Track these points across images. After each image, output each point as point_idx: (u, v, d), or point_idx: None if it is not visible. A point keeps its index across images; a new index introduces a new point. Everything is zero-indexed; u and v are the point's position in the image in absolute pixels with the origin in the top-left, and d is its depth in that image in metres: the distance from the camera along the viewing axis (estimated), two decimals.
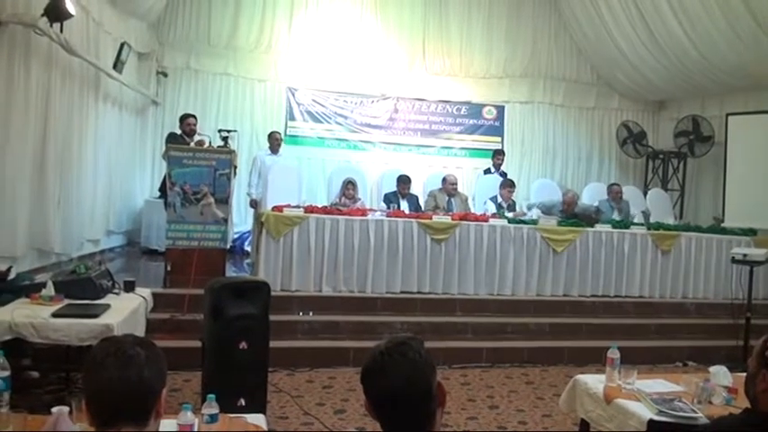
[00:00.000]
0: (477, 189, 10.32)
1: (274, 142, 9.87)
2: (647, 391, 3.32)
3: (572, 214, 8.38)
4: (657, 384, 3.55)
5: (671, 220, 9.43)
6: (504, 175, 10.43)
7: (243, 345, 4.42)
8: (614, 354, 3.56)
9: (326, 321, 6.86)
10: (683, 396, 3.31)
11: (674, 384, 3.57)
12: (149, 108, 10.99)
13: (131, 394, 1.63)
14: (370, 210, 7.99)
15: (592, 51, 12.42)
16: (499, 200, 9.11)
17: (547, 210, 8.83)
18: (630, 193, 10.13)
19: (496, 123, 12.28)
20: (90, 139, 8.12)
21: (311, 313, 6.95)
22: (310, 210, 7.48)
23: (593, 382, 3.66)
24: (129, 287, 5.16)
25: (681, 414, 3.07)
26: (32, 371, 4.66)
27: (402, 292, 7.40)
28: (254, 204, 9.35)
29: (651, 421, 3.04)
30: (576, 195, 8.96)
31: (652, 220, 9.28)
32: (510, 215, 8.44)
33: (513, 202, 9.21)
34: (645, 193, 11.20)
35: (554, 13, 12.53)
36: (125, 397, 1.62)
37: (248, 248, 9.53)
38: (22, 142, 6.14)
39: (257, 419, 2.96)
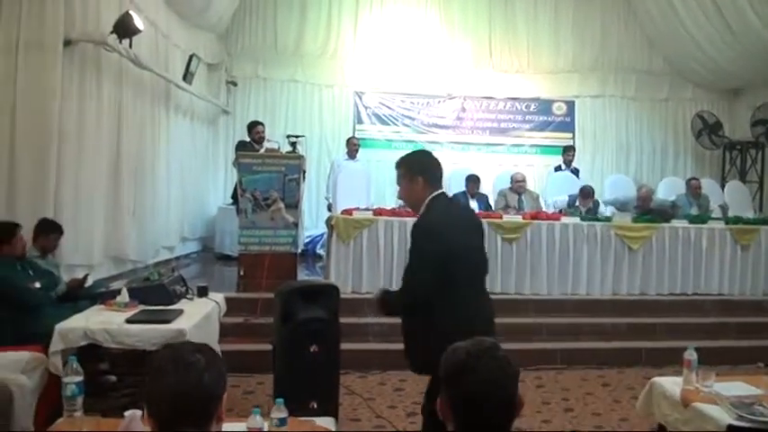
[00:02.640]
0: (549, 187, 10.13)
1: (352, 147, 9.98)
2: (725, 395, 3.17)
3: (647, 210, 8.13)
4: (737, 387, 3.38)
5: (750, 214, 9.04)
6: (575, 171, 10.22)
7: (314, 348, 4.43)
8: (691, 355, 3.42)
9: (398, 323, 6.81)
10: (764, 400, 3.15)
11: (755, 387, 3.40)
12: (220, 117, 11.25)
13: (192, 400, 1.64)
14: None
15: (663, 40, 12.05)
16: (577, 203, 8.87)
17: (621, 207, 8.60)
18: (707, 186, 9.77)
19: (567, 119, 12.06)
20: (162, 150, 8.36)
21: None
22: (378, 212, 7.49)
23: (671, 384, 3.52)
24: (203, 292, 5.26)
25: (761, 419, 2.92)
26: (109, 375, 4.80)
27: None
28: (332, 208, 9.45)
29: (730, 426, 2.91)
30: (651, 191, 8.70)
31: (730, 213, 8.93)
32: None
33: (593, 206, 8.93)
34: (722, 186, 10.79)
35: (623, 3, 12.23)
36: (186, 402, 1.64)
37: (320, 252, 9.62)
38: (97, 155, 6.36)
39: (327, 422, 2.97)
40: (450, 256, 3.19)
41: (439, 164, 3.44)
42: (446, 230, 3.23)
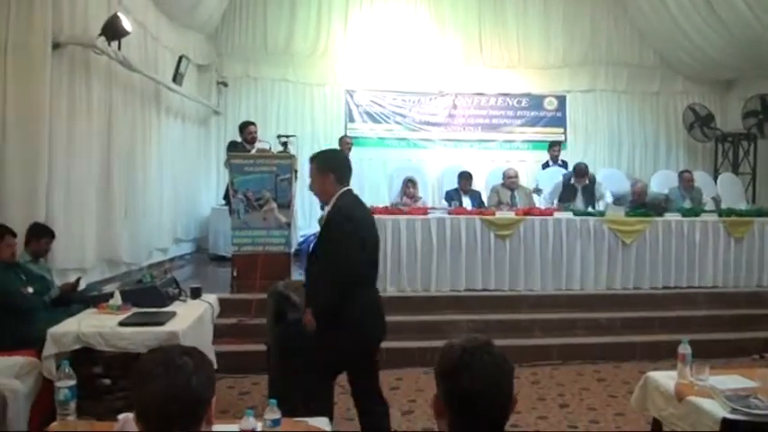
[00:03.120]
0: (540, 185, 10.11)
1: (345, 146, 9.95)
2: (720, 388, 3.17)
3: (641, 204, 8.14)
4: (732, 380, 3.38)
5: (743, 206, 9.05)
6: (564, 164, 10.22)
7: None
8: (685, 349, 3.42)
9: (391, 322, 6.70)
10: (759, 392, 3.14)
11: (750, 380, 3.40)
12: (211, 118, 11.23)
13: (180, 403, 1.63)
14: (431, 208, 7.95)
15: (653, 34, 12.07)
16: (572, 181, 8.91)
17: (617, 200, 8.62)
18: (700, 178, 9.79)
19: (558, 114, 12.08)
20: (154, 152, 8.34)
21: None
22: (371, 211, 7.45)
23: (665, 379, 3.52)
24: (196, 294, 5.24)
25: (756, 412, 2.92)
26: (104, 378, 4.78)
27: (467, 290, 7.33)
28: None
29: (725, 420, 2.91)
30: (646, 185, 8.71)
31: (723, 206, 8.96)
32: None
33: (590, 183, 8.93)
34: (715, 179, 10.80)
35: None
36: (174, 406, 1.62)
37: None
38: (88, 158, 6.33)
39: (320, 422, 2.96)
40: (363, 244, 3.63)
41: (349, 163, 3.86)
42: (360, 219, 3.71)
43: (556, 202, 8.83)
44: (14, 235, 4.89)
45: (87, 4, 6.34)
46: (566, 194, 8.78)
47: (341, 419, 4.86)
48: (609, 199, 9.07)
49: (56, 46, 5.74)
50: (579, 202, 8.68)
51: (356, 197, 3.88)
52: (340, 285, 3.60)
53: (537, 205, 8.72)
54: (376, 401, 3.89)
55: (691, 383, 3.34)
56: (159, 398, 1.62)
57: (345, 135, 10.61)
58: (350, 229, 3.59)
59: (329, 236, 3.69)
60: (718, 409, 3.01)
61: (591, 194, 8.80)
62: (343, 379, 5.50)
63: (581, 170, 8.88)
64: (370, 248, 3.79)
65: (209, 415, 1.71)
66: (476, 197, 8.75)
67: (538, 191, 9.64)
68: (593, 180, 8.93)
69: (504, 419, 1.76)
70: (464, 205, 8.29)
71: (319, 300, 3.69)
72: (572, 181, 8.87)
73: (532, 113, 12.01)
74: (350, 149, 10.04)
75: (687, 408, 3.21)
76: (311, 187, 3.90)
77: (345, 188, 3.74)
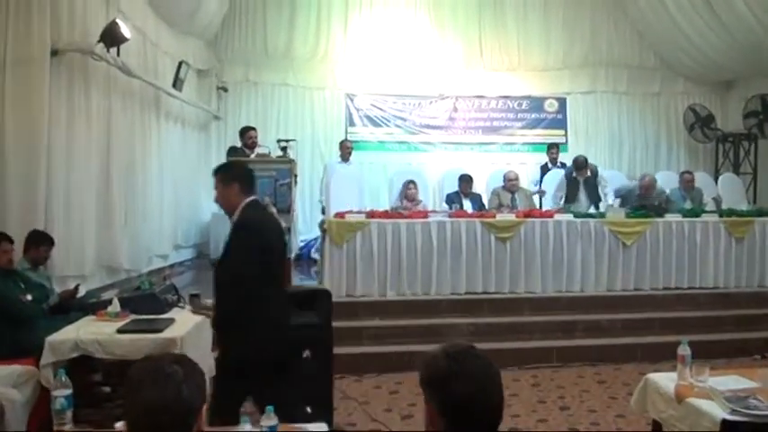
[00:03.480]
0: (543, 187, 10.08)
1: (345, 150, 9.94)
2: (720, 389, 3.16)
3: (641, 205, 8.12)
4: (731, 381, 3.36)
5: (744, 206, 9.01)
6: (564, 166, 10.20)
7: (306, 353, 4.42)
8: (685, 350, 3.40)
9: (392, 326, 6.82)
10: (759, 393, 3.13)
11: (750, 380, 3.38)
12: (212, 123, 11.25)
13: (170, 413, 1.62)
14: (432, 212, 7.94)
15: (653, 35, 12.08)
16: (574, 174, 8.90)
17: (625, 195, 8.56)
18: (701, 179, 9.74)
19: (559, 116, 12.08)
20: (154, 157, 8.35)
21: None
22: (371, 215, 7.47)
23: (665, 380, 3.50)
24: (195, 300, 5.24)
25: (755, 412, 2.91)
26: (104, 386, 4.78)
27: (467, 293, 7.30)
28: (326, 211, 9.44)
29: (725, 421, 2.89)
30: (654, 179, 8.60)
31: (724, 206, 8.91)
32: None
33: (592, 175, 8.91)
34: (716, 179, 10.77)
35: None
36: (165, 417, 1.61)
37: (315, 256, 9.60)
38: (87, 165, 6.34)
39: (319, 428, 2.96)
40: (268, 252, 3.65)
41: (251, 174, 3.88)
42: (265, 229, 3.73)
43: (562, 199, 8.81)
44: (11, 241, 4.89)
45: (86, 11, 6.36)
46: (570, 189, 8.76)
47: (341, 424, 4.86)
48: (610, 195, 8.97)
49: (54, 53, 5.76)
50: (583, 196, 8.67)
51: (262, 207, 3.98)
52: (236, 296, 3.59)
53: (542, 207, 8.69)
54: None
55: (690, 385, 3.33)
56: (149, 408, 1.61)
57: (346, 139, 10.62)
58: (251, 242, 3.61)
59: (233, 245, 3.67)
60: (717, 411, 3.00)
61: (594, 187, 8.78)
62: (341, 384, 5.54)
63: (580, 162, 8.85)
64: (276, 260, 3.81)
65: (200, 424, 1.70)
66: (476, 200, 8.73)
67: (541, 192, 9.63)
68: (595, 172, 8.90)
69: (499, 420, 1.75)
70: (465, 208, 8.27)
71: (219, 308, 3.70)
72: (574, 174, 8.85)
73: (533, 116, 12.01)
74: (350, 153, 10.04)
75: (687, 409, 3.19)
76: (216, 199, 3.88)
77: (250, 198, 3.76)
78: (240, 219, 3.69)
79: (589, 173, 8.82)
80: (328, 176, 9.59)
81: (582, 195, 8.69)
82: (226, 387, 3.51)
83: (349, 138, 11.07)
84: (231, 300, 3.60)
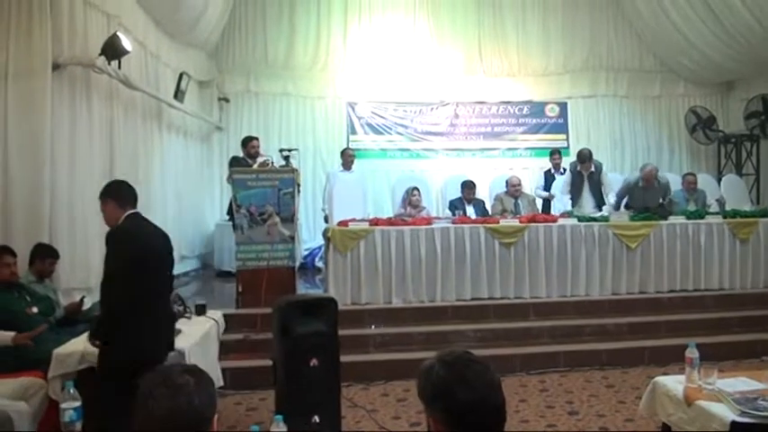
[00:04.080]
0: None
1: (347, 159, 9.93)
2: (728, 391, 3.16)
3: (644, 207, 8.10)
4: (740, 383, 3.36)
5: (747, 207, 9.01)
6: (565, 172, 10.19)
7: (313, 362, 4.42)
8: (692, 353, 3.39)
9: (398, 333, 6.83)
10: (767, 394, 3.13)
11: (758, 382, 3.38)
12: (214, 134, 11.27)
13: (183, 423, 1.61)
14: (435, 218, 7.94)
15: (653, 38, 12.09)
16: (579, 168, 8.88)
17: (628, 192, 8.50)
18: (704, 180, 9.74)
19: (560, 120, 12.08)
20: (156, 169, 8.36)
21: (373, 326, 6.95)
22: (375, 222, 7.48)
23: (673, 383, 3.51)
24: (201, 310, 5.26)
25: (765, 414, 2.90)
26: None
27: (473, 299, 7.31)
28: (328, 220, 9.43)
29: (734, 423, 2.89)
30: (656, 168, 8.54)
31: (727, 207, 8.90)
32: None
33: (596, 170, 8.87)
34: (719, 181, 10.76)
35: (611, 2, 12.28)
36: (177, 427, 1.61)
37: (319, 264, 9.61)
38: (90, 177, 6.33)
39: None
40: (138, 259, 3.74)
41: (126, 188, 4.02)
42: (135, 237, 3.85)
43: (567, 193, 8.79)
44: (13, 254, 4.89)
45: (86, 25, 6.37)
46: (575, 184, 8.75)
47: None
48: (612, 196, 8.90)
49: (55, 67, 5.77)
50: (587, 193, 8.66)
51: (141, 219, 4.02)
52: (107, 301, 3.76)
53: (551, 211, 8.68)
54: None
55: (699, 387, 3.32)
56: (162, 419, 1.60)
57: (348, 147, 10.62)
58: (117, 249, 3.75)
59: (106, 254, 3.83)
60: (726, 413, 3.00)
61: (598, 185, 8.76)
62: (349, 392, 5.53)
63: (584, 155, 8.82)
64: (152, 266, 3.87)
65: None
66: (479, 206, 8.73)
67: (551, 197, 9.62)
68: (599, 168, 8.86)
69: (504, 422, 1.74)
70: (468, 214, 8.28)
71: (98, 315, 3.91)
72: (578, 168, 8.83)
73: (534, 121, 12.01)
74: (352, 161, 10.03)
75: (696, 412, 3.19)
76: (105, 221, 4.04)
77: (130, 212, 3.92)
78: (111, 229, 3.88)
79: (594, 168, 8.78)
80: (331, 185, 9.60)
81: (586, 192, 8.67)
82: (103, 391, 3.64)
83: (351, 146, 11.08)
84: (104, 305, 3.79)
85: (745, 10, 9.52)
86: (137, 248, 3.80)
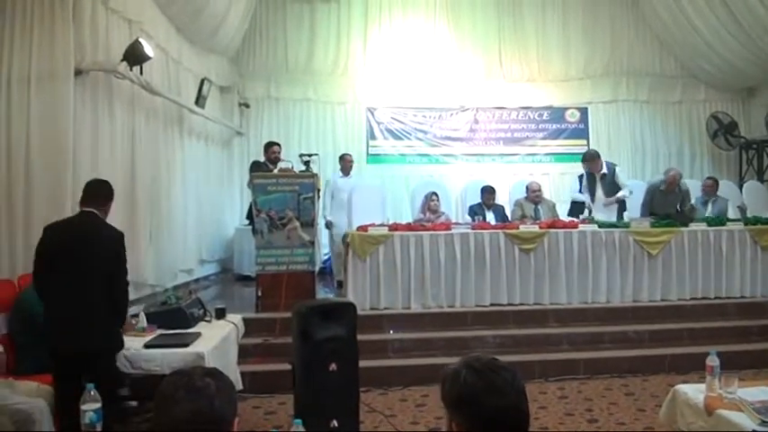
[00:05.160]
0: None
1: (346, 164, 9.85)
2: (749, 400, 3.12)
3: (665, 214, 8.03)
4: (762, 392, 3.32)
5: None
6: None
7: (332, 366, 4.43)
8: (713, 361, 3.36)
9: (417, 338, 6.82)
10: None
11: None
12: (234, 139, 11.34)
13: (204, 426, 1.62)
14: (455, 224, 7.92)
15: (674, 43, 12.01)
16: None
17: (651, 195, 8.43)
18: (725, 187, 9.63)
19: (581, 126, 12.05)
20: (177, 174, 8.43)
21: (391, 332, 6.95)
22: (394, 228, 7.48)
23: (694, 392, 3.47)
24: (220, 314, 5.28)
25: None
26: (131, 400, 4.81)
27: (492, 305, 7.29)
28: (329, 226, 9.42)
29: None
30: (680, 173, 8.46)
31: (749, 214, 8.80)
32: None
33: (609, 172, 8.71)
34: (740, 187, 10.65)
35: (632, 6, 12.22)
36: (197, 430, 1.62)
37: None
38: (111, 181, 6.36)
39: None
40: (44, 256, 3.95)
41: (89, 187, 4.27)
42: (46, 230, 4.07)
43: (581, 190, 8.74)
44: None
45: (108, 31, 6.43)
46: (590, 183, 8.67)
47: None
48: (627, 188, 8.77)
49: (78, 72, 5.83)
50: (600, 192, 8.59)
51: (72, 217, 4.31)
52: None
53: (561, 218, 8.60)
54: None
55: (720, 396, 3.29)
56: (183, 422, 1.61)
57: (346, 153, 10.23)
58: (39, 246, 4.01)
59: None
60: (747, 422, 2.97)
61: (610, 183, 8.62)
62: (367, 398, 5.53)
63: (586, 154, 8.81)
64: (62, 262, 3.95)
65: None
66: (499, 211, 8.69)
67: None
68: (611, 169, 8.74)
69: (528, 429, 1.73)
70: (487, 220, 8.25)
71: None
72: (587, 168, 8.75)
73: (554, 126, 11.98)
74: (351, 166, 9.84)
75: (716, 421, 3.16)
76: None
77: (83, 209, 4.15)
78: None
79: (606, 170, 8.66)
80: (335, 191, 9.47)
81: (600, 192, 8.58)
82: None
83: (370, 151, 11.08)
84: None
85: (767, 15, 9.43)
86: (42, 244, 4.00)
